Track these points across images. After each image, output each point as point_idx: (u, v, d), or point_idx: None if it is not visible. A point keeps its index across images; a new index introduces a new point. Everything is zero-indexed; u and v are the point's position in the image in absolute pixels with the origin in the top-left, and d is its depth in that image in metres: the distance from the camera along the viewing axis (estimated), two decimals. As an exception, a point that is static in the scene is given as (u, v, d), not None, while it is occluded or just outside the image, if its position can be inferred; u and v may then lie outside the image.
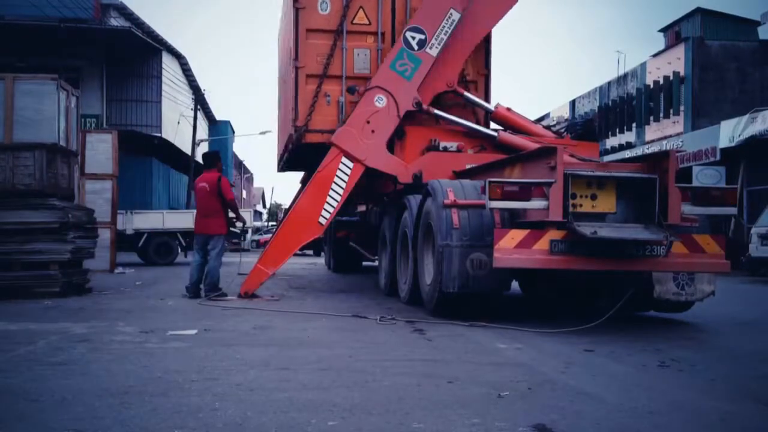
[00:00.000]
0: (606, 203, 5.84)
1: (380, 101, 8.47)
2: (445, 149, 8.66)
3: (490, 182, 5.73)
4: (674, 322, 6.95)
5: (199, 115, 32.62)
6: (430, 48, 8.53)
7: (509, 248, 5.69)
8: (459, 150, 8.67)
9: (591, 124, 8.31)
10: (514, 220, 6.27)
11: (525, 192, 5.70)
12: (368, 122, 8.46)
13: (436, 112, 8.70)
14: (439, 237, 6.45)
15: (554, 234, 5.73)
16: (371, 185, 10.09)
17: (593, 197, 5.83)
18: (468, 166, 8.11)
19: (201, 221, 8.69)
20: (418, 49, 8.48)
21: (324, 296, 9.24)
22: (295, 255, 25.64)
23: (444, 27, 8.52)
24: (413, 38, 8.46)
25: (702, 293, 6.51)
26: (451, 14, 8.52)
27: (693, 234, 5.98)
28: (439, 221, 6.49)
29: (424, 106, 8.59)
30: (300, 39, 8.88)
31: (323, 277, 13.68)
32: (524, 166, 6.49)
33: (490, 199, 5.69)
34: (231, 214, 8.90)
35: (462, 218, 6.35)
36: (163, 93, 26.27)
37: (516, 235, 5.73)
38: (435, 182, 6.95)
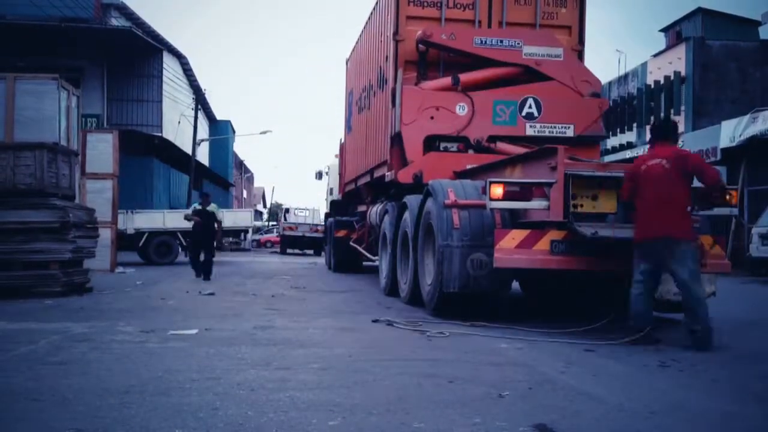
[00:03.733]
0: (607, 203, 5.76)
1: (461, 110, 8.51)
2: (446, 149, 8.56)
3: (490, 182, 5.72)
4: (674, 322, 6.94)
5: (200, 114, 32.62)
6: (531, 126, 8.57)
7: (510, 248, 5.70)
8: (459, 150, 8.58)
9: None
10: (514, 220, 6.23)
11: (526, 192, 5.73)
12: (437, 109, 8.45)
13: (499, 145, 8.59)
14: (440, 237, 6.43)
15: (555, 234, 5.71)
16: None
17: (594, 197, 5.72)
18: (468, 167, 8.03)
19: (656, 217, 5.29)
20: (522, 116, 8.56)
21: (324, 296, 9.24)
22: (295, 255, 26.27)
23: (557, 127, 8.62)
24: (530, 107, 8.56)
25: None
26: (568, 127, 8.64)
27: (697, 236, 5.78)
28: (439, 221, 6.47)
29: (484, 143, 8.56)
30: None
31: (323, 277, 13.68)
32: (525, 166, 6.43)
33: (491, 199, 5.69)
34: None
35: (462, 218, 6.32)
36: (163, 93, 26.28)
37: (517, 236, 5.73)
38: (436, 182, 6.92)
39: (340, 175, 15.79)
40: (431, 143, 8.58)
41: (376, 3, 10.59)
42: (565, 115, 8.65)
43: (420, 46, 8.65)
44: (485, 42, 8.57)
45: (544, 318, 6.87)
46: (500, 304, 7.27)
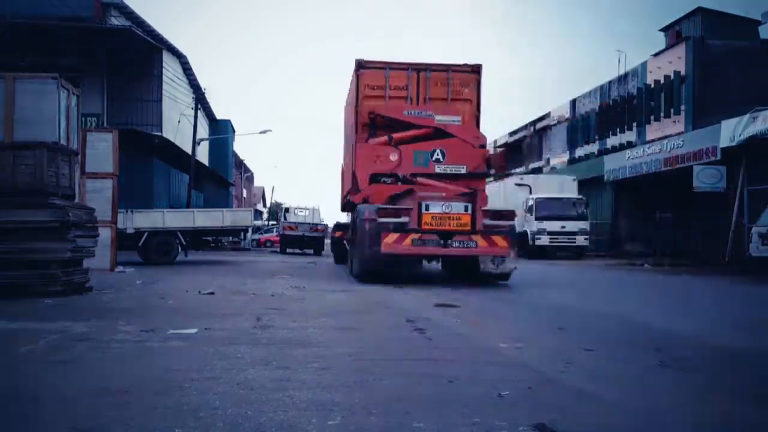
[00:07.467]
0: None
1: (394, 157, 12.45)
2: (384, 182, 12.38)
3: (379, 208, 10.95)
4: (674, 322, 6.96)
5: (200, 114, 32.61)
6: (438, 167, 12.38)
7: (390, 243, 10.56)
8: (392, 182, 12.32)
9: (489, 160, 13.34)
10: (393, 227, 10.71)
11: (398, 213, 10.90)
12: (378, 156, 12.50)
13: (418, 179, 12.28)
14: (359, 236, 11.26)
15: (414, 235, 10.61)
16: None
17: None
18: (395, 193, 11.98)
19: None
20: (432, 161, 12.39)
21: (324, 296, 9.25)
22: (296, 255, 27.52)
23: (455, 167, 12.40)
24: (438, 155, 12.37)
25: (509, 268, 11.23)
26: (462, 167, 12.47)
27: (492, 236, 10.70)
28: (360, 227, 11.16)
29: (408, 177, 12.25)
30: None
31: (323, 276, 13.70)
32: (406, 197, 11.32)
33: (379, 217, 10.81)
34: None
35: (371, 226, 10.85)
36: (163, 92, 26.27)
37: (394, 236, 10.59)
38: (360, 206, 11.63)
39: (341, 190, 18.85)
40: (375, 178, 12.45)
41: (351, 80, 13.77)
42: (461, 159, 12.43)
43: (370, 114, 12.71)
44: (411, 113, 12.69)
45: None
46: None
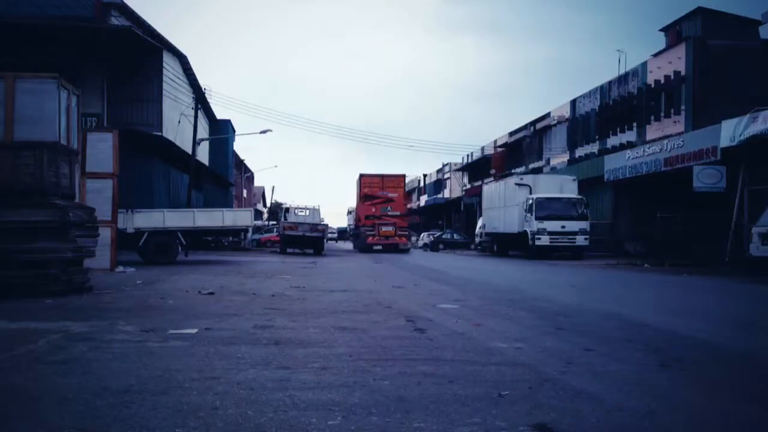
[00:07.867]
0: (386, 232, 33.97)
1: (373, 209, 34.38)
2: (370, 219, 34.14)
3: (365, 227, 34.42)
4: (674, 322, 6.96)
5: (200, 114, 32.60)
6: (390, 212, 34.24)
7: (369, 239, 33.62)
8: (373, 218, 33.97)
9: None
10: (370, 234, 33.63)
11: (372, 229, 33.90)
12: (366, 208, 34.78)
13: (383, 217, 34.91)
14: (359, 237, 36.22)
15: (376, 237, 33.70)
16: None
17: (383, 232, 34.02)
18: (372, 223, 34.50)
19: None
20: (387, 209, 34.19)
21: (324, 296, 9.25)
22: (296, 254, 28.84)
23: (395, 212, 35.48)
24: (389, 207, 34.47)
25: (408, 248, 35.14)
26: (397, 213, 36.03)
27: (401, 237, 34.04)
28: (360, 233, 35.67)
29: (380, 215, 34.22)
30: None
31: (323, 276, 13.71)
32: (374, 224, 34.37)
33: (366, 231, 34.26)
34: None
35: (363, 234, 34.31)
36: (163, 92, 26.26)
37: (370, 237, 33.72)
38: (362, 227, 35.09)
39: (355, 220, 41.90)
40: (366, 217, 34.28)
41: (357, 181, 37.40)
42: (397, 209, 34.66)
43: (365, 194, 35.36)
44: (379, 193, 34.96)
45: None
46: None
